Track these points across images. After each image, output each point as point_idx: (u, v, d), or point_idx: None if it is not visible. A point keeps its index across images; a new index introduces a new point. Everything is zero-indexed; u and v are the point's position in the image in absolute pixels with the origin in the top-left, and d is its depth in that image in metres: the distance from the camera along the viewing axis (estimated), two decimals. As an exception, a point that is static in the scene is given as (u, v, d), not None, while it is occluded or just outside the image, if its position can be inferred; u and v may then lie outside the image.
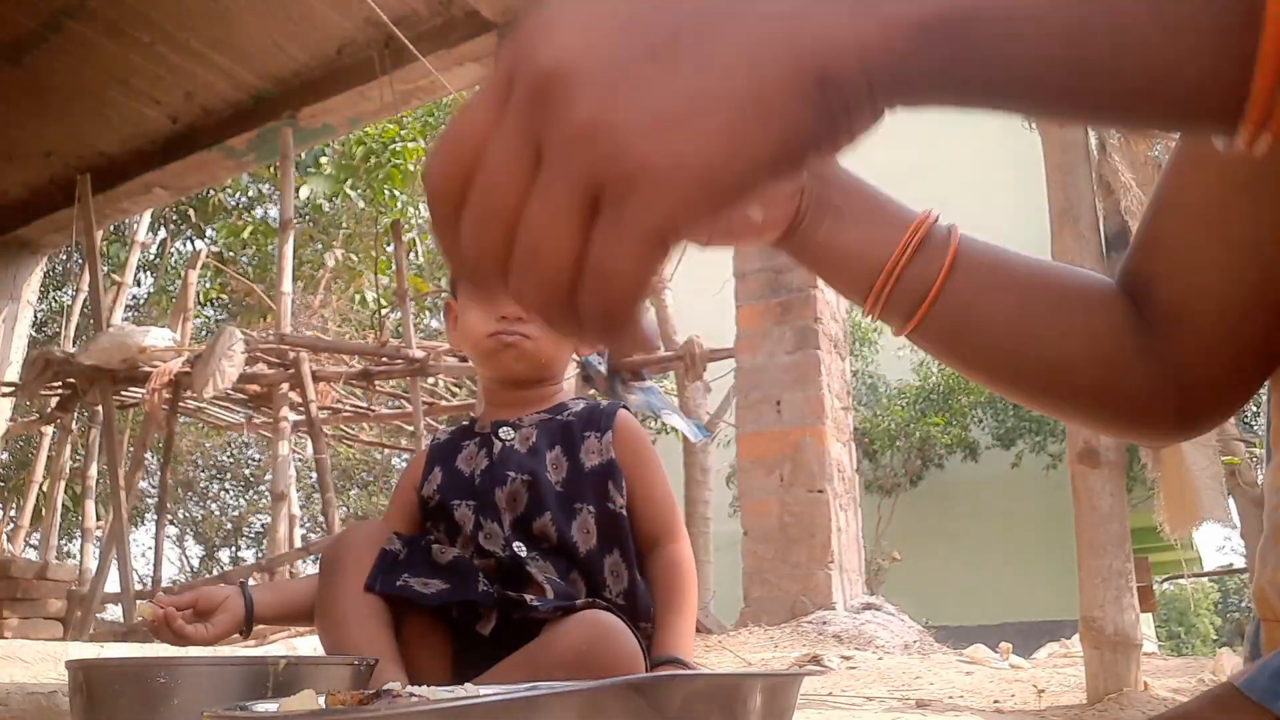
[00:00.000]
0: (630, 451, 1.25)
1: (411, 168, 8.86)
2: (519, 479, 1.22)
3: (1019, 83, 0.30)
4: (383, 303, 9.02)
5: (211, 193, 10.17)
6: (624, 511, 1.22)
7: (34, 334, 8.35)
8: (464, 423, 1.36)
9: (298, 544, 5.41)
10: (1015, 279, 0.62)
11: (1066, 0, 0.29)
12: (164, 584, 5.97)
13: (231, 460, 13.55)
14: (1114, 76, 0.29)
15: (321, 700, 0.49)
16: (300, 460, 9.10)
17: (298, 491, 7.06)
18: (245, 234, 9.96)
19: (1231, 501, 2.94)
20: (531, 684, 0.44)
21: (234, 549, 14.17)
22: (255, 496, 13.54)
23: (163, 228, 10.99)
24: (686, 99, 0.29)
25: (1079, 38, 0.29)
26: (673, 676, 0.43)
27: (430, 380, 6.19)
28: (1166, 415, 0.61)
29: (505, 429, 1.26)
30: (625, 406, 1.30)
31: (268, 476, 9.80)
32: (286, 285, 5.62)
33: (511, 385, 1.29)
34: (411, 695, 0.48)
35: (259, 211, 11.23)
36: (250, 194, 11.33)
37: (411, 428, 6.09)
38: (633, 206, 0.29)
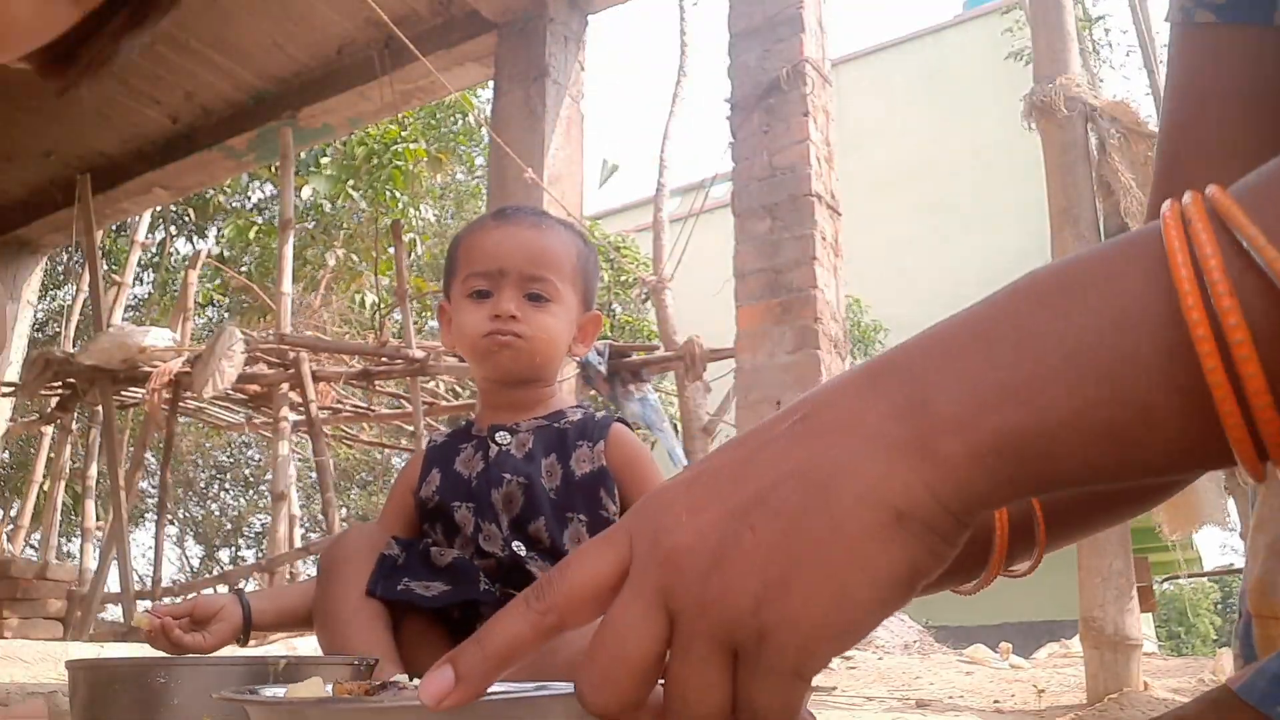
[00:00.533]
0: (624, 459, 1.24)
1: (412, 168, 8.86)
2: (514, 480, 1.22)
3: (1071, 473, 0.33)
4: (383, 303, 9.02)
5: (211, 193, 10.16)
6: (617, 519, 1.22)
7: (34, 334, 8.35)
8: (461, 425, 1.35)
9: (298, 544, 5.41)
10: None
11: (1088, 411, 0.32)
12: (164, 584, 5.97)
13: (232, 460, 13.55)
14: (1141, 455, 0.33)
15: (329, 690, 0.49)
16: (301, 460, 9.11)
17: (298, 491, 7.06)
18: (251, 234, 9.96)
19: (1231, 503, 2.94)
20: (539, 684, 0.44)
21: (234, 549, 14.17)
22: (255, 496, 13.53)
23: (163, 228, 10.98)
24: (788, 563, 0.34)
25: (1106, 435, 0.32)
26: None
27: (430, 382, 6.19)
28: None
29: (502, 433, 1.26)
30: (623, 420, 1.29)
31: (268, 476, 9.80)
32: (286, 285, 5.62)
33: (507, 386, 1.29)
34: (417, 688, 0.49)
35: (264, 213, 11.22)
36: (255, 196, 11.33)
37: (411, 428, 6.08)
38: (766, 656, 0.34)
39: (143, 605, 5.67)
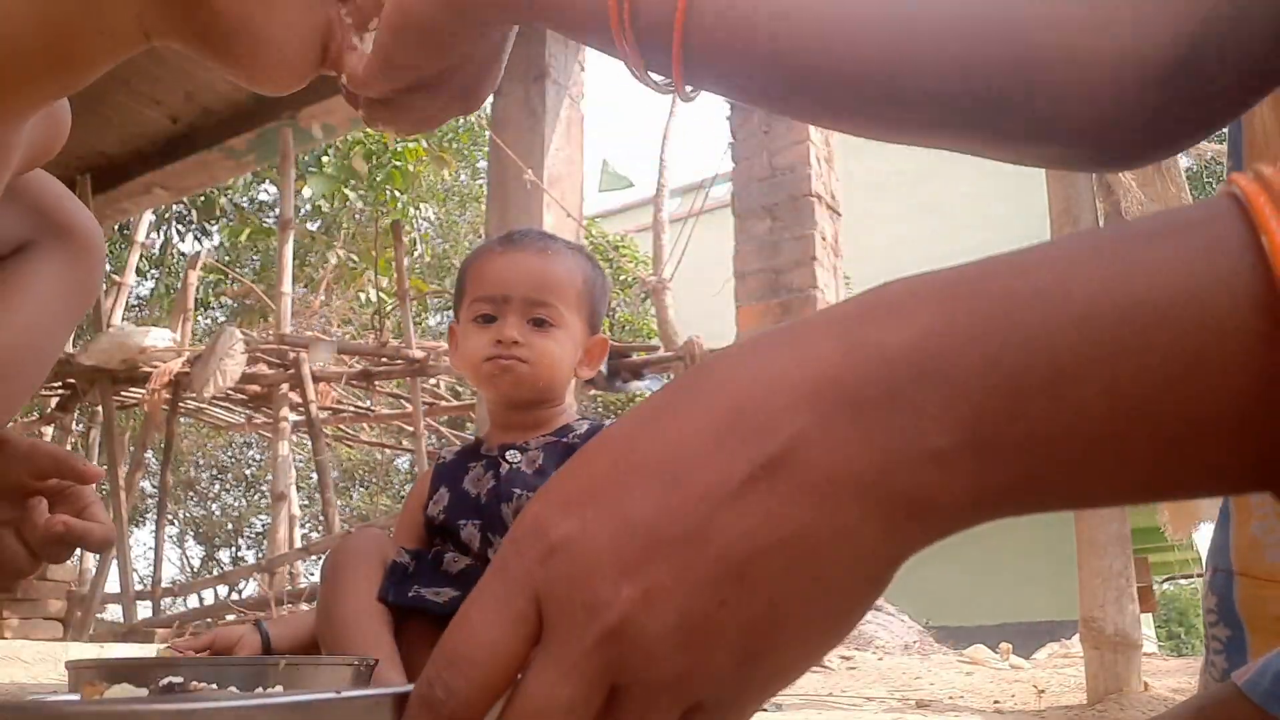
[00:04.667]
0: None
1: (411, 168, 8.86)
2: (524, 495, 1.23)
3: (1083, 495, 0.30)
4: (384, 301, 9.02)
5: (214, 192, 10.17)
6: None
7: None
8: (470, 444, 1.36)
9: (298, 544, 5.41)
10: None
11: (1112, 433, 0.28)
12: (164, 584, 5.97)
13: (232, 460, 13.55)
14: (1175, 470, 0.28)
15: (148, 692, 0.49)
16: (301, 461, 9.11)
17: (299, 492, 7.06)
18: (244, 236, 9.96)
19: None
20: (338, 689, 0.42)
21: (234, 549, 14.17)
22: (256, 497, 13.54)
23: (166, 228, 10.99)
24: (768, 633, 0.30)
25: (1124, 458, 0.28)
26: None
27: (431, 381, 6.19)
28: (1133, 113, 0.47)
29: (512, 452, 1.27)
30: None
31: (268, 477, 9.80)
32: (287, 285, 5.62)
33: (514, 408, 1.30)
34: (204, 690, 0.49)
35: (267, 214, 11.23)
36: (260, 198, 11.34)
37: (412, 428, 6.09)
38: (737, 706, 0.31)
39: (143, 606, 5.67)
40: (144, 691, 0.48)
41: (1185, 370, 0.26)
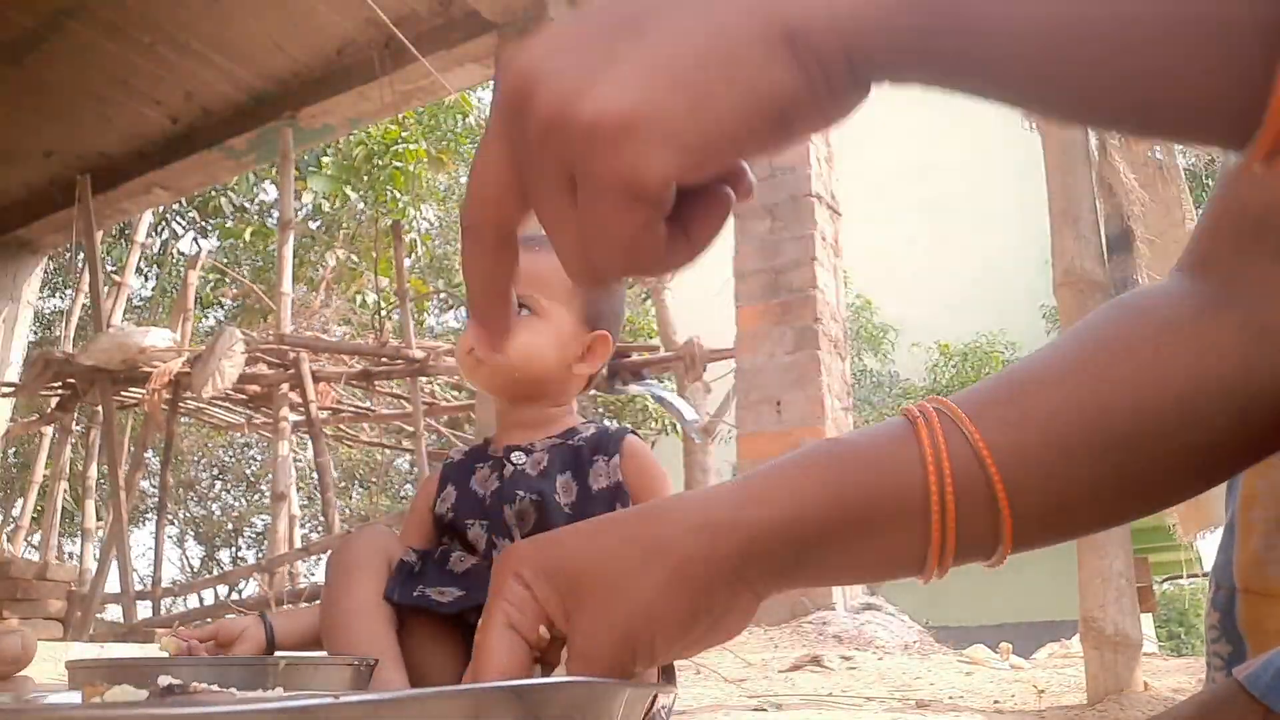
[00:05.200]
0: (637, 473, 1.26)
1: (412, 169, 8.86)
2: (527, 498, 1.24)
3: (1007, 63, 0.28)
4: (383, 303, 9.02)
5: (213, 194, 10.17)
6: None
7: (35, 334, 8.36)
8: (478, 445, 1.37)
9: (298, 544, 5.41)
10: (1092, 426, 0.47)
11: None
12: (164, 584, 5.97)
13: (232, 460, 13.55)
14: (1112, 71, 0.27)
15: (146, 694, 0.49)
16: (302, 461, 9.11)
17: (299, 492, 7.06)
18: (246, 235, 9.96)
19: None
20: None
21: (234, 549, 14.18)
22: (256, 496, 13.54)
23: (166, 228, 10.99)
24: (645, 63, 0.29)
25: (1073, 27, 0.27)
26: (557, 682, 0.43)
27: (426, 381, 6.19)
28: None
29: (517, 453, 1.28)
30: (634, 431, 1.32)
31: (268, 477, 9.80)
32: (286, 285, 5.63)
33: (516, 405, 1.31)
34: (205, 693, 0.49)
35: (268, 215, 11.23)
36: (260, 198, 11.34)
37: (412, 428, 6.09)
38: (596, 165, 0.30)
39: (143, 606, 5.67)
40: (144, 693, 0.48)
41: None
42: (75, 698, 0.51)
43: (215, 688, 0.51)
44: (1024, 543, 0.49)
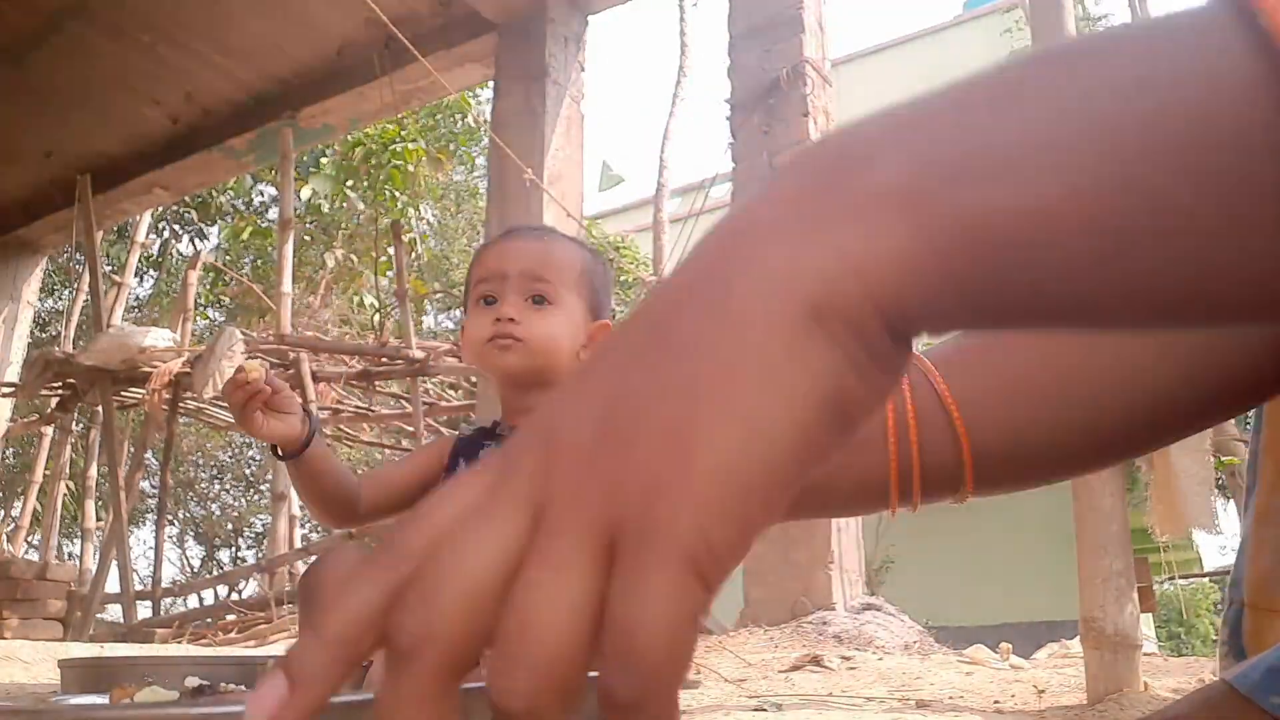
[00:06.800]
0: None
1: (411, 168, 8.87)
2: None
3: (1052, 294, 0.25)
4: (383, 304, 9.02)
5: (213, 194, 10.17)
6: None
7: (36, 334, 8.36)
8: (487, 425, 1.37)
9: (298, 544, 5.41)
10: (1034, 358, 0.51)
11: (1100, 212, 0.24)
12: (164, 584, 5.97)
13: (232, 460, 13.55)
14: (1166, 288, 0.24)
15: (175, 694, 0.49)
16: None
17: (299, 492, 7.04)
18: (245, 235, 9.97)
19: (1232, 504, 2.94)
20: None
21: (234, 549, 14.18)
22: (256, 497, 13.54)
23: (166, 228, 10.99)
24: (685, 407, 0.24)
25: (1118, 250, 0.24)
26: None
27: (423, 381, 6.19)
28: None
29: None
30: None
31: (268, 476, 9.80)
32: (286, 285, 5.63)
33: (522, 390, 1.30)
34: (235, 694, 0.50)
35: (266, 215, 11.23)
36: (257, 199, 11.34)
37: (411, 428, 6.09)
38: (652, 540, 0.23)
39: (143, 606, 5.67)
40: (174, 694, 0.48)
41: (1186, 131, 0.23)
42: (104, 699, 0.51)
43: (243, 688, 0.51)
44: (986, 481, 0.51)
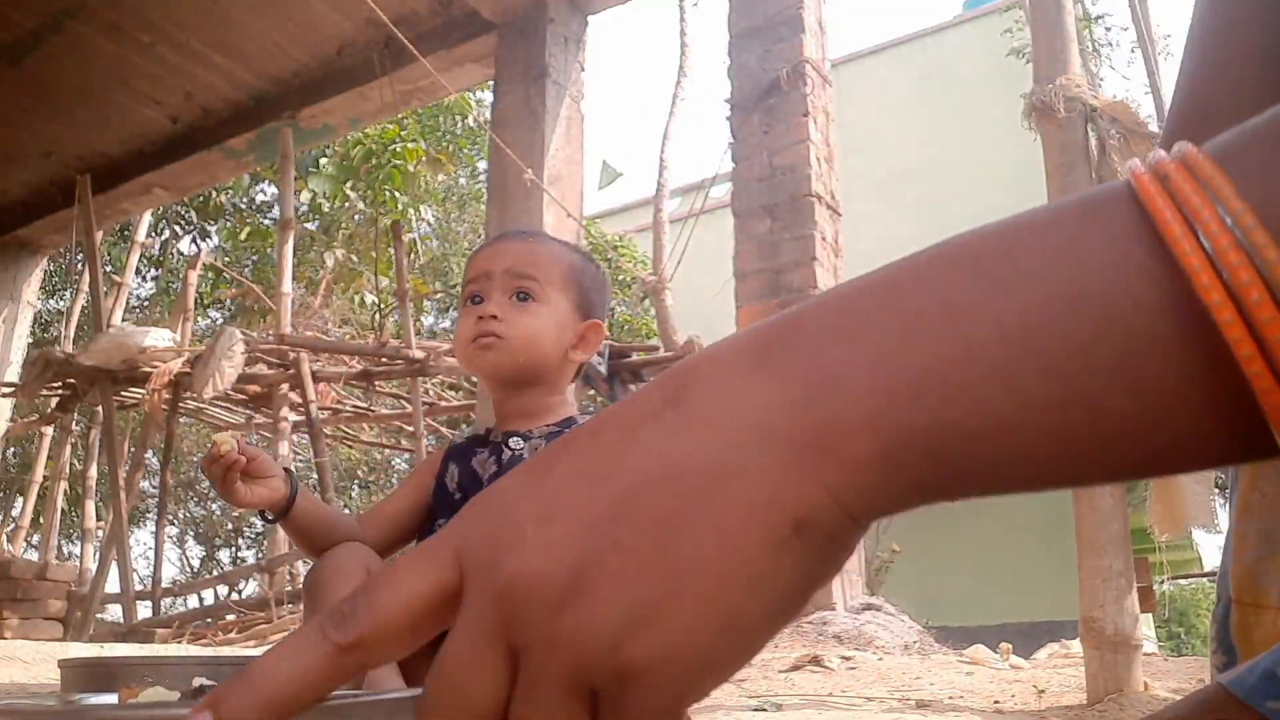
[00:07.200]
0: None
1: (411, 168, 8.86)
2: None
3: (1010, 478, 0.28)
4: (383, 304, 9.02)
5: (213, 194, 10.17)
6: None
7: (36, 334, 8.35)
8: (479, 432, 1.37)
9: (298, 544, 5.41)
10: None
11: (1037, 403, 0.26)
12: (164, 584, 5.97)
13: (232, 460, 13.54)
14: (1109, 457, 0.27)
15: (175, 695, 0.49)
16: (303, 460, 9.11)
17: (298, 492, 7.04)
18: (243, 235, 9.97)
19: (1221, 503, 2.93)
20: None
21: (234, 549, 14.18)
22: (255, 497, 13.53)
23: (166, 228, 10.99)
24: (664, 586, 0.28)
25: (1058, 435, 0.27)
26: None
27: (423, 381, 6.19)
28: None
29: (515, 439, 1.29)
30: None
31: (268, 477, 9.77)
32: (286, 286, 5.63)
33: (511, 391, 1.30)
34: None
35: (266, 214, 11.23)
36: (257, 198, 11.35)
37: (411, 428, 6.09)
38: (635, 699, 0.28)
39: (143, 606, 5.67)
40: (176, 695, 0.48)
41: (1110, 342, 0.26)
42: (112, 699, 0.51)
43: None
44: None
